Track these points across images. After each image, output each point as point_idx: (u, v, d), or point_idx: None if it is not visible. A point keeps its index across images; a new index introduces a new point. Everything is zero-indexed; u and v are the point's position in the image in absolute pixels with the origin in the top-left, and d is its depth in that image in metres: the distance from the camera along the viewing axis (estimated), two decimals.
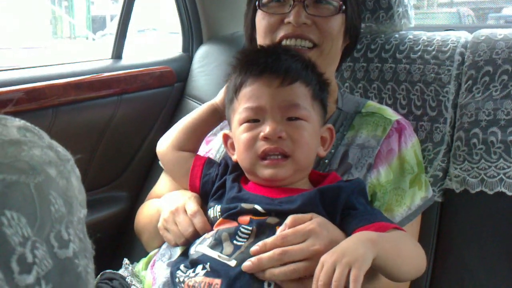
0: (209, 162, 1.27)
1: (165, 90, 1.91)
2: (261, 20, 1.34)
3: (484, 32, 1.52)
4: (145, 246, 1.43)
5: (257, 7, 1.34)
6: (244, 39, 1.93)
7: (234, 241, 1.06)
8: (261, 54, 1.20)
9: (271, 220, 1.06)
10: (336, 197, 1.08)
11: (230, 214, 1.10)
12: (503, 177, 1.37)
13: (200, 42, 2.07)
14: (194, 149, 1.34)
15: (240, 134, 1.14)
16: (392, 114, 1.35)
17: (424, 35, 1.59)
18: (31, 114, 1.48)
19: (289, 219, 1.03)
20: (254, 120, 1.13)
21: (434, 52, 1.53)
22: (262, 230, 1.05)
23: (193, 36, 2.07)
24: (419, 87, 1.52)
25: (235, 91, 1.17)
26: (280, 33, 1.30)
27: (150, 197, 1.49)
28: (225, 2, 2.08)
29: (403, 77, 1.55)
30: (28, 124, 0.47)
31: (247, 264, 1.00)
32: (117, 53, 1.85)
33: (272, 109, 1.11)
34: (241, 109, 1.15)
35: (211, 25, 2.07)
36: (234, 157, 1.20)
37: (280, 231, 1.02)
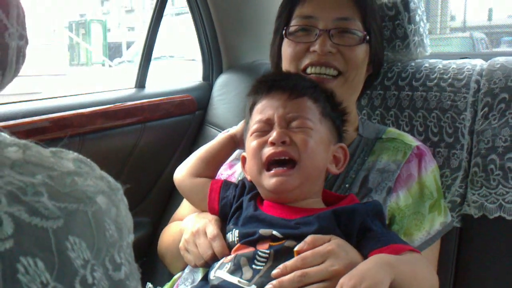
0: (225, 184, 1.30)
1: (186, 118, 1.97)
2: (287, 48, 1.39)
3: (499, 60, 1.55)
4: (169, 268, 1.46)
5: (284, 36, 1.40)
6: (263, 68, 2.00)
7: (253, 266, 1.08)
8: (271, 76, 1.30)
9: (289, 243, 1.08)
10: (351, 219, 1.10)
11: (248, 241, 1.13)
12: None
13: (220, 71, 2.13)
14: (211, 176, 1.38)
15: (250, 143, 1.20)
16: (412, 140, 1.38)
17: (440, 63, 1.63)
18: (58, 142, 1.53)
19: (309, 238, 1.05)
20: (263, 131, 1.19)
21: (450, 80, 1.57)
22: (280, 254, 1.07)
23: (213, 64, 2.13)
24: (435, 114, 1.55)
25: (250, 111, 1.25)
26: (306, 61, 1.35)
27: (173, 220, 1.53)
28: (245, 31, 2.14)
29: (419, 105, 1.58)
30: (81, 156, 0.52)
31: (268, 287, 1.03)
32: (141, 82, 1.91)
33: (279, 119, 1.17)
34: (253, 122, 1.21)
35: (231, 54, 2.13)
36: (249, 177, 1.25)
37: (298, 247, 1.05)
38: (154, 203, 1.89)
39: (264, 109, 1.20)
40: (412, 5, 1.59)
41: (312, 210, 1.15)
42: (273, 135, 1.15)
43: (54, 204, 0.43)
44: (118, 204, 0.50)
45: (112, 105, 1.71)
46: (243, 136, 1.31)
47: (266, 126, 1.19)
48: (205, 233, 1.22)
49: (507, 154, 1.43)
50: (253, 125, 1.21)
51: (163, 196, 1.90)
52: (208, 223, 1.24)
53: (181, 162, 1.93)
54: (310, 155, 1.15)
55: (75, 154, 0.52)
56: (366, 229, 1.10)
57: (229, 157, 1.41)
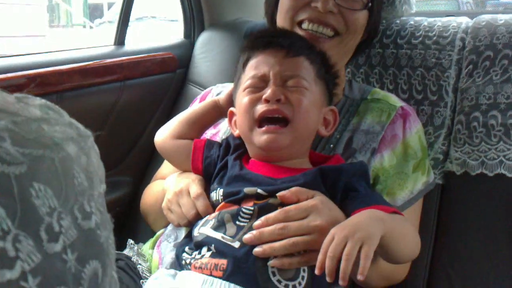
0: (209, 143, 1.27)
1: (167, 76, 1.93)
2: None
3: (484, 18, 1.53)
4: (151, 226, 1.46)
5: None
6: (246, 26, 1.95)
7: (237, 222, 1.07)
8: (268, 32, 1.27)
9: (273, 200, 1.08)
10: (337, 178, 1.10)
11: (233, 200, 1.12)
12: (503, 159, 1.39)
13: (202, 29, 2.08)
14: (195, 138, 1.34)
15: (242, 98, 1.17)
16: (396, 101, 1.37)
17: (425, 21, 1.61)
18: None
19: (294, 188, 1.05)
20: (257, 87, 1.16)
21: (435, 38, 1.54)
22: (264, 210, 1.06)
23: (194, 22, 2.07)
24: (420, 72, 1.53)
25: (243, 65, 1.21)
26: (303, 15, 1.31)
27: (155, 179, 1.52)
28: None
29: (404, 63, 1.56)
30: (49, 102, 0.49)
31: (248, 236, 1.03)
32: (120, 40, 1.86)
33: (274, 76, 1.14)
34: (246, 78, 1.18)
35: (212, 11, 2.08)
36: (236, 132, 1.23)
37: (281, 193, 1.05)
38: (135, 162, 1.87)
39: (259, 65, 1.17)
40: None
41: (299, 170, 1.14)
42: (267, 92, 1.12)
43: (17, 150, 0.40)
44: (89, 152, 0.48)
45: (90, 62, 1.66)
46: (232, 95, 1.27)
47: (260, 83, 1.16)
48: (188, 193, 1.20)
49: (490, 111, 1.43)
50: (246, 81, 1.18)
51: (144, 155, 1.87)
52: (191, 182, 1.22)
53: (162, 121, 1.90)
54: (303, 115, 1.13)
55: (43, 100, 0.49)
56: (351, 189, 1.10)
57: (213, 123, 1.37)
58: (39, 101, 0.49)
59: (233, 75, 1.85)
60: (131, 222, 1.79)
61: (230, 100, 1.30)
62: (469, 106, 1.46)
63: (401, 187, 1.28)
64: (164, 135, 1.32)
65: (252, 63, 1.19)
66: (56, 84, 1.54)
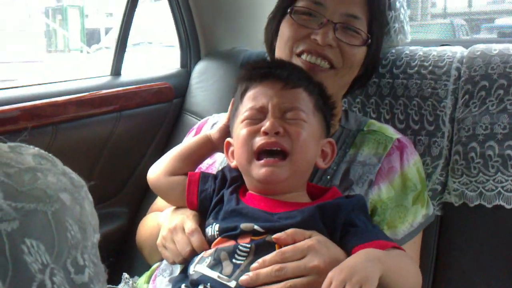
0: (204, 176, 1.25)
1: (164, 106, 1.93)
2: (288, 27, 1.35)
3: (479, 47, 1.54)
4: (147, 260, 1.43)
5: (288, 13, 1.35)
6: (242, 55, 1.96)
7: (233, 260, 1.05)
8: (265, 63, 1.27)
9: (271, 238, 1.06)
10: (336, 214, 1.08)
11: (229, 235, 1.10)
12: (501, 190, 1.39)
13: (198, 58, 2.09)
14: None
15: (240, 130, 1.16)
16: (393, 133, 1.37)
17: (420, 50, 1.61)
18: (31, 132, 1.49)
19: (290, 230, 1.03)
20: (255, 119, 1.15)
21: (430, 67, 1.55)
22: (261, 248, 1.05)
23: (191, 51, 2.08)
24: (416, 102, 1.53)
25: (241, 96, 1.20)
26: (302, 47, 1.31)
27: (151, 211, 1.50)
28: (223, 17, 2.10)
29: (400, 92, 1.56)
30: (42, 151, 0.48)
31: (244, 278, 1.01)
32: (116, 70, 1.86)
33: (273, 108, 1.13)
34: (244, 109, 1.17)
35: (209, 40, 2.09)
36: (233, 164, 1.21)
37: (277, 235, 1.03)
38: (131, 194, 1.86)
39: (257, 96, 1.17)
40: None
41: (297, 204, 1.12)
42: (266, 124, 1.11)
43: (9, 204, 0.40)
44: (82, 202, 0.47)
45: (86, 93, 1.66)
46: (230, 125, 1.26)
47: (259, 114, 1.15)
48: (183, 229, 1.18)
49: (487, 142, 1.43)
50: (244, 112, 1.17)
51: (140, 186, 1.86)
52: (185, 218, 1.20)
53: (159, 151, 1.90)
54: (302, 148, 1.13)
55: (36, 149, 0.48)
56: (350, 225, 1.08)
57: (206, 158, 1.35)
58: (32, 150, 0.48)
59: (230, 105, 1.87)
60: (127, 254, 1.77)
61: (223, 135, 1.29)
62: (466, 136, 1.45)
63: (401, 220, 1.27)
64: (157, 172, 1.30)
65: (250, 94, 1.18)
66: (51, 115, 1.54)
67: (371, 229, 1.10)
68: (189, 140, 1.36)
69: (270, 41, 1.45)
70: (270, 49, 1.47)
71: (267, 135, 1.11)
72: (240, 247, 1.06)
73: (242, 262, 1.04)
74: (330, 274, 0.93)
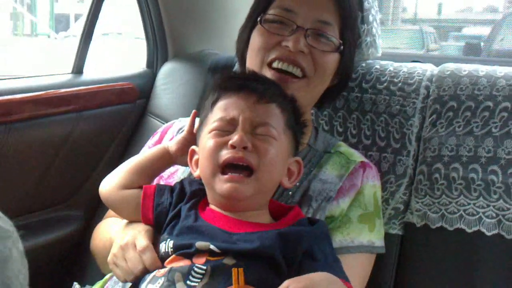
0: (160, 189, 1.20)
1: (126, 107, 1.86)
2: (258, 36, 1.32)
3: (449, 67, 1.53)
4: (100, 268, 1.38)
5: (259, 22, 1.32)
6: (211, 58, 1.91)
7: (188, 282, 1.00)
8: (241, 75, 1.22)
9: (228, 261, 1.01)
10: (297, 243, 1.04)
11: (184, 254, 1.05)
12: (463, 213, 1.38)
13: (165, 59, 2.02)
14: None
15: (207, 140, 1.11)
16: (358, 156, 1.35)
17: (390, 66, 1.59)
18: None
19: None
20: (224, 130, 1.10)
21: (400, 84, 1.53)
22: (218, 271, 1.00)
23: (158, 51, 2.02)
24: (384, 118, 1.51)
25: (211, 105, 1.15)
26: (274, 54, 1.28)
27: (108, 216, 1.44)
28: (193, 18, 2.04)
29: (368, 107, 1.54)
30: None
31: None
32: (78, 67, 1.79)
33: (243, 122, 1.09)
34: (213, 119, 1.12)
35: (177, 41, 2.03)
36: (196, 174, 1.16)
37: None
38: (88, 197, 1.79)
39: (228, 107, 1.12)
40: (366, 5, 1.53)
41: (257, 226, 1.08)
42: (234, 138, 1.06)
43: None
44: (9, 254, 0.42)
45: (44, 92, 1.59)
46: (197, 133, 1.20)
47: (228, 126, 1.10)
48: (135, 246, 1.12)
49: (452, 164, 1.42)
50: (213, 122, 1.11)
51: (97, 189, 1.78)
52: (137, 234, 1.14)
53: (118, 153, 1.84)
54: (268, 167, 1.08)
55: None
56: (310, 256, 1.04)
57: (163, 171, 1.30)
58: None
59: (196, 109, 1.82)
60: (80, 260, 1.70)
61: (181, 147, 1.24)
62: (431, 156, 1.44)
63: (341, 230, 1.24)
64: (109, 186, 1.23)
65: (221, 104, 1.13)
66: (5, 114, 1.46)
67: (331, 264, 1.07)
68: (145, 152, 1.30)
69: (241, 52, 1.41)
70: (241, 60, 1.43)
71: (235, 149, 1.07)
72: (196, 268, 1.01)
73: (197, 284, 1.00)
74: (286, 283, 0.90)
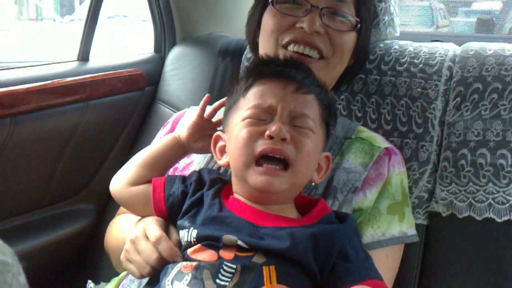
0: (170, 180, 1.14)
1: (135, 95, 1.80)
2: (271, 18, 1.27)
3: (473, 46, 1.45)
4: (115, 267, 1.33)
5: (270, 3, 1.27)
6: (221, 41, 1.84)
7: (217, 280, 0.95)
8: (278, 61, 1.14)
9: (257, 259, 0.96)
10: (331, 245, 0.99)
11: (210, 245, 1.00)
12: (492, 202, 1.31)
13: (174, 43, 1.95)
14: None
15: (240, 129, 1.04)
16: (381, 141, 1.28)
17: (410, 46, 1.51)
18: None
19: None
20: (260, 119, 1.04)
21: (421, 65, 1.45)
22: (248, 270, 0.95)
23: (165, 35, 1.95)
24: (404, 102, 1.44)
25: (244, 90, 1.09)
26: (288, 37, 1.23)
27: (121, 212, 1.39)
28: (201, 1, 1.96)
29: (388, 91, 1.47)
30: None
31: None
32: (84, 55, 1.72)
33: (282, 111, 1.03)
34: (247, 106, 1.06)
35: (185, 24, 1.96)
36: (221, 161, 1.11)
37: None
38: (99, 189, 1.73)
39: (265, 94, 1.05)
40: None
41: (285, 220, 1.03)
42: (272, 128, 1.00)
43: None
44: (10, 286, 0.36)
45: (49, 82, 1.52)
46: (223, 119, 1.15)
47: (264, 115, 1.04)
48: (146, 237, 1.06)
49: (478, 149, 1.34)
50: (247, 110, 1.05)
51: (108, 181, 1.73)
52: (147, 225, 1.09)
53: (128, 143, 1.78)
54: (305, 160, 1.03)
55: None
56: (343, 256, 1.00)
57: (175, 163, 1.24)
58: None
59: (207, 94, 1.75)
60: (94, 257, 1.66)
61: (192, 134, 1.19)
62: (456, 142, 1.37)
63: (371, 224, 1.19)
64: (119, 183, 1.18)
65: (256, 90, 1.07)
66: (9, 106, 1.40)
67: (363, 263, 1.01)
68: (156, 144, 1.23)
69: (253, 36, 1.35)
70: (253, 45, 1.37)
71: (272, 139, 1.01)
72: (225, 267, 0.96)
73: (227, 283, 0.94)
74: None
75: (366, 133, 1.31)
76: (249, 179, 1.03)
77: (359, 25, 1.28)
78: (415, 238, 1.24)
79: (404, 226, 1.22)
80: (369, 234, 1.18)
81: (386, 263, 1.19)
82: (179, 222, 1.08)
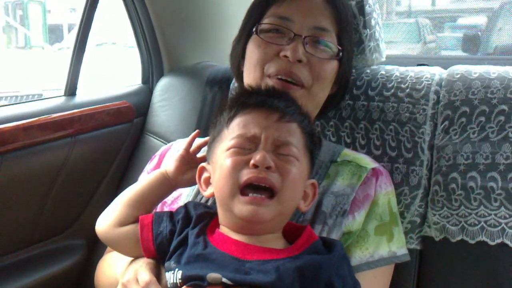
0: (157, 217, 1.13)
1: (124, 127, 1.79)
2: (255, 48, 1.28)
3: (459, 70, 1.45)
4: None
5: (255, 33, 1.28)
6: (208, 70, 1.84)
7: None
8: (261, 91, 1.16)
9: None
10: (317, 277, 0.98)
11: (195, 285, 0.99)
12: (484, 225, 1.31)
13: (161, 73, 1.96)
14: None
15: (224, 158, 1.04)
16: (368, 162, 1.29)
17: (396, 71, 1.52)
18: None
19: None
20: (244, 148, 1.04)
21: (408, 90, 1.46)
22: None
23: (153, 66, 1.95)
24: (393, 126, 1.44)
25: (228, 121, 1.09)
26: (273, 68, 1.24)
27: (110, 249, 1.37)
28: (188, 30, 1.97)
29: (376, 116, 1.47)
30: None
31: None
32: (71, 89, 1.72)
33: (266, 140, 1.04)
34: (231, 136, 1.06)
35: (172, 55, 1.96)
36: (206, 193, 1.11)
37: None
38: (89, 224, 1.68)
39: (248, 124, 1.06)
40: (367, 9, 1.47)
41: (270, 252, 1.02)
42: (257, 157, 1.01)
43: None
44: None
45: (36, 118, 1.52)
46: (207, 150, 1.15)
47: (248, 144, 1.04)
48: (137, 281, 1.06)
49: (468, 172, 1.34)
50: (231, 140, 1.06)
51: (98, 215, 1.72)
52: (138, 268, 1.08)
53: (117, 176, 1.76)
54: (291, 188, 1.03)
55: None
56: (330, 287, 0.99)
57: (163, 199, 1.23)
58: None
59: (195, 126, 1.75)
60: None
61: (179, 167, 1.18)
62: (446, 166, 1.37)
63: (360, 246, 1.19)
64: (106, 224, 1.16)
65: (240, 120, 1.08)
66: None
67: None
68: (143, 181, 1.22)
69: (237, 65, 1.36)
70: (238, 74, 1.37)
71: (257, 168, 1.01)
72: None
73: None
74: None
75: (351, 155, 1.31)
76: (234, 209, 1.02)
77: (340, 54, 1.29)
78: (405, 257, 1.24)
79: (394, 246, 1.22)
80: (358, 256, 1.18)
81: (375, 284, 1.19)
82: (166, 264, 1.07)
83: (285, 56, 1.23)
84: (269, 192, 1.02)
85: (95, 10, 1.70)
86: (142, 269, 1.08)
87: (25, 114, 1.52)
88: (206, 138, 1.22)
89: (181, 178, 1.19)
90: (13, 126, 1.45)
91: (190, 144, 1.22)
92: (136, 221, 1.14)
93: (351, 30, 1.38)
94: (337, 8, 1.30)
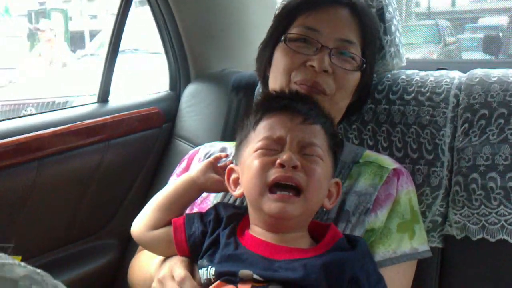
0: (189, 219, 1.19)
1: (153, 132, 1.87)
2: (283, 56, 1.33)
3: (478, 74, 1.50)
4: None
5: (283, 41, 1.33)
6: (234, 77, 1.91)
7: None
8: (284, 95, 1.22)
9: (273, 287, 1.02)
10: (342, 272, 1.04)
11: (228, 280, 1.06)
12: (505, 224, 1.35)
13: (188, 80, 2.03)
14: None
15: (252, 160, 1.11)
16: (390, 163, 1.33)
17: (417, 75, 1.57)
18: (14, 169, 1.43)
19: None
20: (270, 149, 1.10)
21: (428, 94, 1.51)
22: None
23: (180, 73, 2.02)
24: (414, 129, 1.49)
25: (254, 124, 1.16)
26: (299, 76, 1.29)
27: (141, 248, 1.44)
28: (213, 38, 2.04)
29: (397, 119, 1.52)
30: (32, 269, 0.43)
31: None
32: (103, 96, 1.80)
33: (291, 141, 1.10)
34: (258, 139, 1.13)
35: (199, 62, 2.03)
36: (236, 193, 1.17)
37: None
38: (122, 224, 1.79)
39: (273, 126, 1.12)
40: (387, 15, 1.52)
41: (298, 252, 1.08)
42: (283, 157, 1.07)
43: None
44: None
45: (72, 124, 1.60)
46: (234, 152, 1.21)
47: (275, 145, 1.10)
48: (172, 277, 1.13)
49: (488, 173, 1.39)
50: (258, 141, 1.12)
51: (130, 216, 1.76)
52: (173, 265, 1.15)
53: (148, 179, 1.83)
54: (316, 187, 1.09)
55: (26, 269, 0.42)
56: (355, 283, 1.05)
57: (192, 202, 1.29)
58: (21, 270, 0.42)
59: (222, 130, 1.82)
60: None
61: (207, 172, 1.24)
62: (466, 167, 1.41)
63: (383, 242, 1.23)
64: (139, 228, 1.24)
65: (266, 123, 1.14)
66: (36, 150, 1.47)
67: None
68: (172, 185, 1.28)
69: (263, 70, 1.41)
70: (263, 78, 1.43)
71: (283, 168, 1.07)
72: None
73: None
74: None
75: (373, 156, 1.36)
76: (264, 206, 1.08)
77: (364, 65, 1.34)
78: (427, 254, 1.28)
79: (415, 243, 1.26)
80: (381, 252, 1.22)
81: (398, 280, 1.23)
82: (199, 262, 1.14)
83: (312, 66, 1.28)
84: (296, 190, 1.07)
85: (127, 18, 1.77)
86: (177, 265, 1.14)
87: (61, 120, 1.60)
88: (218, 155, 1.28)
89: (208, 182, 1.24)
90: (50, 132, 1.53)
91: (216, 160, 1.28)
92: (167, 224, 1.21)
93: (375, 43, 1.43)
94: (363, 22, 1.35)
